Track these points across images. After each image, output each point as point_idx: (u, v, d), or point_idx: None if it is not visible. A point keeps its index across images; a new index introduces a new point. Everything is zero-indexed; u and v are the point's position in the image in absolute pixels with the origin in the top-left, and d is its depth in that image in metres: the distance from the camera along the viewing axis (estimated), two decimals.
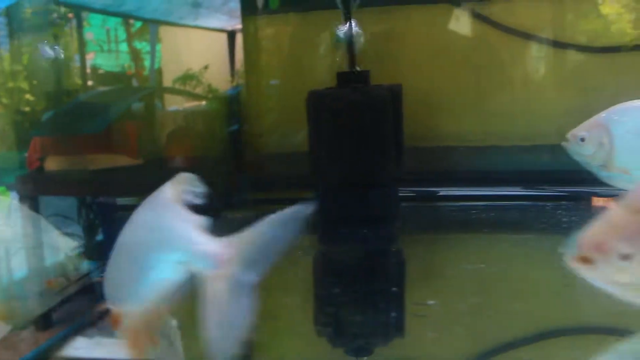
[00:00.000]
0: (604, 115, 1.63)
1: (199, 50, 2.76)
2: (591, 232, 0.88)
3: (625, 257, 0.85)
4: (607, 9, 2.16)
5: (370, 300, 1.26)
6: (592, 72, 2.16)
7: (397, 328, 1.18)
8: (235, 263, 0.86)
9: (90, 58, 2.62)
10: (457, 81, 2.25)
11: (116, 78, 2.70)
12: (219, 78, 2.66)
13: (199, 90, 2.67)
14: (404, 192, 2.03)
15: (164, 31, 2.72)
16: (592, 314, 1.16)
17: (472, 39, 2.24)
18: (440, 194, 2.07)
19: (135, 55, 2.72)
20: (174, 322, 1.14)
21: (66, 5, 2.49)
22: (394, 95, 1.88)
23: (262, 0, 2.49)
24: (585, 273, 0.88)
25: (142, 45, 2.73)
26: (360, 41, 1.97)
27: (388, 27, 2.28)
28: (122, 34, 2.69)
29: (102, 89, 2.67)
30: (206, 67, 2.67)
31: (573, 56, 2.16)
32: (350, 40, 1.97)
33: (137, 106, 2.61)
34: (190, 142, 2.64)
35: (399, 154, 1.87)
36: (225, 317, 0.85)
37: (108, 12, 2.62)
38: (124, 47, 2.70)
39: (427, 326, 1.14)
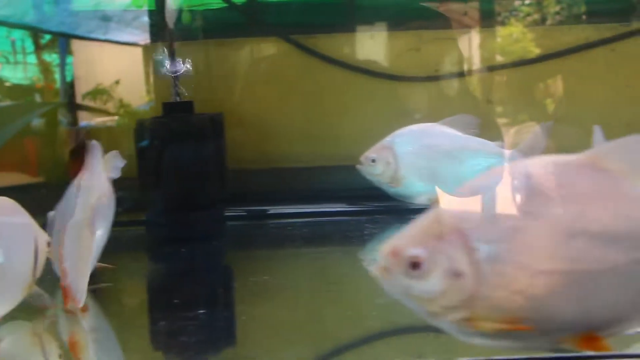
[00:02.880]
0: (389, 138, 1.95)
1: (112, 65, 2.68)
2: (391, 240, 0.86)
3: (415, 265, 0.81)
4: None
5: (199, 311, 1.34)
6: (406, 98, 2.40)
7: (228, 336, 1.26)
8: None
9: None
10: (287, 108, 2.44)
11: (24, 91, 2.59)
12: (132, 93, 2.59)
13: (110, 106, 2.59)
14: (235, 211, 2.21)
15: (77, 44, 2.64)
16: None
17: (299, 68, 2.44)
18: (270, 212, 2.22)
19: (44, 68, 2.63)
20: None
21: None
22: (215, 123, 2.03)
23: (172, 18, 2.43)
24: (385, 284, 0.85)
25: (52, 58, 2.64)
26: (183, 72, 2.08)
27: (224, 59, 2.46)
28: (30, 46, 2.60)
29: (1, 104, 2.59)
30: (117, 82, 2.59)
31: (388, 84, 2.39)
32: (174, 72, 2.06)
33: (39, 122, 2.54)
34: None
35: (222, 177, 2.04)
36: None
37: (9, 23, 2.52)
38: (32, 59, 2.61)
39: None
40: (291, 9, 2.51)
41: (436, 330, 0.89)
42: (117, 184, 1.50)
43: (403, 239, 0.84)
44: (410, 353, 1.07)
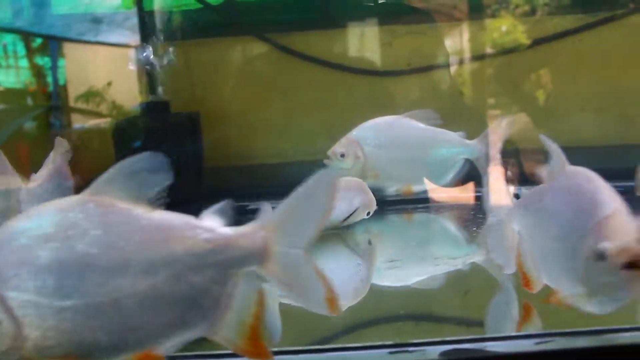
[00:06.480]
0: (355, 133, 1.95)
1: (105, 66, 2.68)
2: None
3: None
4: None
5: None
6: (379, 93, 2.48)
7: None
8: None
9: None
10: (266, 105, 2.48)
11: (17, 95, 2.60)
12: (125, 94, 2.59)
13: (103, 107, 2.58)
14: None
15: (68, 47, 2.65)
16: None
17: (276, 66, 2.50)
18: (249, 207, 2.18)
19: (37, 71, 2.63)
20: None
21: None
22: (191, 121, 2.08)
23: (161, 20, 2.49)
24: None
25: (44, 61, 2.64)
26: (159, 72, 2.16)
27: (207, 58, 2.50)
28: (22, 50, 2.60)
29: None
30: (109, 84, 2.59)
31: (363, 79, 2.46)
32: (151, 73, 2.17)
33: (31, 125, 2.54)
34: (88, 160, 2.55)
35: (198, 174, 2.09)
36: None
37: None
38: (24, 63, 2.61)
39: None
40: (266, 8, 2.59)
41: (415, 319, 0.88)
42: None
43: None
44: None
